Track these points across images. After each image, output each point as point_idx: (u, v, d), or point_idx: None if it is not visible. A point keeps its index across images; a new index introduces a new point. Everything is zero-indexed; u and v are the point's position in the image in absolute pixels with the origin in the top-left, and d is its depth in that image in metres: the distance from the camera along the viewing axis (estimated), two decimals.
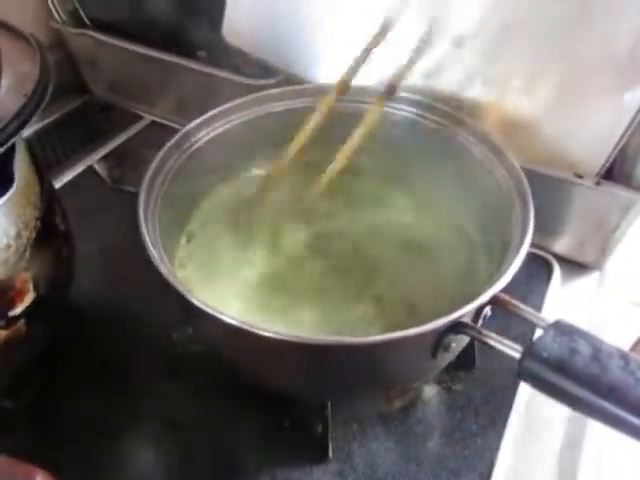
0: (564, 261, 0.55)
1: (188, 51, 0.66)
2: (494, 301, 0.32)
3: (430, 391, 0.45)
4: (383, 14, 0.48)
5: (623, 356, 0.27)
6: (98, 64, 0.75)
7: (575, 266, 0.55)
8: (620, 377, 0.26)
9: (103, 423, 0.43)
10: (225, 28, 0.58)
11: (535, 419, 0.44)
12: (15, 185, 0.34)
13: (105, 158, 0.69)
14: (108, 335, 0.50)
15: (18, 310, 0.36)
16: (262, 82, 0.60)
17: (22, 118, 0.34)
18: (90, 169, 0.68)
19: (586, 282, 0.54)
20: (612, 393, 0.26)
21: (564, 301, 0.52)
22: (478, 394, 0.45)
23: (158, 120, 0.76)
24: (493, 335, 0.31)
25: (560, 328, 0.29)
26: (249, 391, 0.43)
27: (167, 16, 0.66)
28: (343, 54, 0.52)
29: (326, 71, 0.53)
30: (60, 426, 0.44)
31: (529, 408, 0.44)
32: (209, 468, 0.41)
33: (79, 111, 0.77)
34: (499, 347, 0.31)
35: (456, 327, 0.32)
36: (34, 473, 0.22)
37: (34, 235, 0.36)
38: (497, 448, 0.42)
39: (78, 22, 0.73)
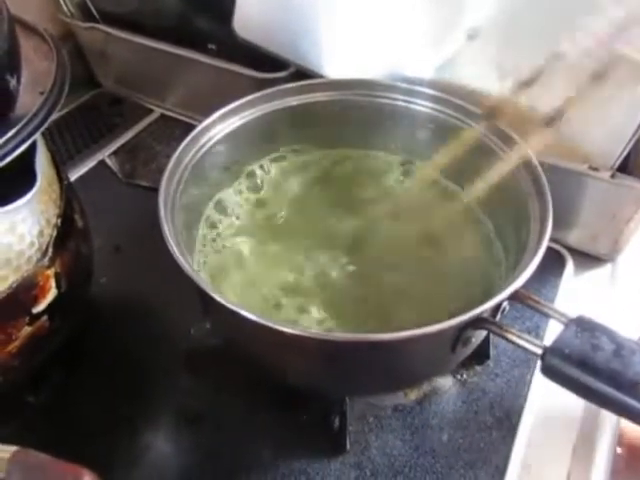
0: (577, 253, 0.55)
1: (198, 44, 0.66)
2: (513, 296, 0.33)
3: (445, 383, 0.46)
4: (397, 7, 0.48)
5: None
6: (107, 57, 0.75)
7: (588, 258, 0.55)
8: None
9: (122, 418, 0.44)
10: (235, 21, 0.57)
11: (550, 411, 0.44)
12: (38, 182, 0.34)
13: (116, 152, 0.69)
14: (125, 330, 0.50)
15: (41, 307, 0.37)
16: (272, 75, 0.59)
17: (42, 116, 0.34)
18: (102, 163, 0.68)
19: (599, 274, 0.54)
20: (635, 389, 0.26)
21: (577, 293, 0.52)
22: (493, 386, 0.45)
23: (168, 113, 0.75)
24: (513, 330, 0.32)
25: (581, 324, 0.29)
26: (267, 385, 0.44)
27: (177, 9, 0.66)
28: (355, 48, 0.52)
29: (338, 65, 0.53)
30: (79, 421, 0.44)
31: (544, 400, 0.44)
32: (227, 461, 0.42)
33: (89, 105, 0.77)
34: (520, 342, 0.31)
35: (476, 322, 0.32)
36: (82, 474, 0.22)
37: (55, 232, 0.37)
38: (512, 440, 0.42)
39: (87, 15, 0.72)
